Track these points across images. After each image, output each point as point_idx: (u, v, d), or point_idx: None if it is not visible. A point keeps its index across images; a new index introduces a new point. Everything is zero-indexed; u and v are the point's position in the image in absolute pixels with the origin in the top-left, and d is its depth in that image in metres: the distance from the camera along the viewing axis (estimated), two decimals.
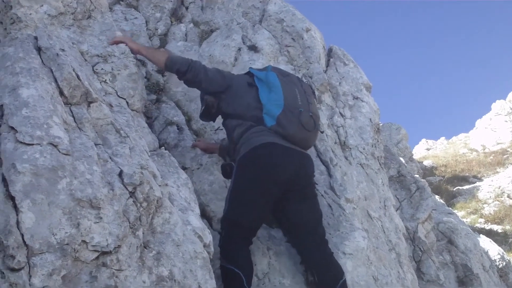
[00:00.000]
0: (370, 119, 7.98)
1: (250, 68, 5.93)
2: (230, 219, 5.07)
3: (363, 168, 7.31)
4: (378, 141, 8.02)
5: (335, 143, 7.07)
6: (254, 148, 5.25)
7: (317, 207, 5.52)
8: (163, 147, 5.38)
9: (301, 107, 5.43)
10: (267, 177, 5.18)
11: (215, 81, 5.72)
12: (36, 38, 4.73)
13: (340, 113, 7.76)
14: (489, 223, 19.45)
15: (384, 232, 6.72)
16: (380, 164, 7.86)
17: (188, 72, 5.67)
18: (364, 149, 7.51)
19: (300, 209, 5.36)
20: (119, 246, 3.53)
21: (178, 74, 5.80)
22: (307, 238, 5.36)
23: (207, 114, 5.94)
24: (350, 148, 7.33)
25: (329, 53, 8.92)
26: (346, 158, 7.13)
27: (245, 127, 5.45)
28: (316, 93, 7.64)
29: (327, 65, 8.59)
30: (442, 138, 43.91)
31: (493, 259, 11.93)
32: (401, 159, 11.30)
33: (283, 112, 5.33)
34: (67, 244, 3.27)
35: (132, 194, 3.89)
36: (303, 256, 5.44)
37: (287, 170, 5.22)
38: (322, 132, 5.74)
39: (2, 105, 3.85)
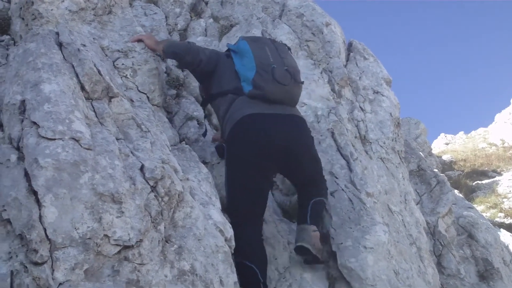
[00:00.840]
0: (391, 113, 7.95)
1: (228, 44, 5.94)
2: (231, 211, 5.07)
3: (383, 162, 7.29)
4: (398, 135, 7.99)
5: (356, 137, 7.05)
6: (234, 125, 5.27)
7: (316, 158, 5.68)
8: (183, 142, 5.39)
9: (273, 64, 5.44)
10: (252, 152, 5.18)
11: (212, 59, 5.78)
12: (57, 33, 4.75)
13: (361, 107, 7.74)
14: (509, 218, 19.32)
15: (405, 226, 6.70)
16: (400, 158, 7.84)
17: (188, 54, 5.71)
18: (384, 143, 7.49)
19: (301, 169, 5.50)
20: (141, 240, 3.54)
21: (176, 58, 5.93)
22: (302, 187, 5.63)
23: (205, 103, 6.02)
24: (371, 142, 7.31)
25: (349, 48, 8.90)
26: (366, 152, 7.11)
27: (227, 102, 5.48)
28: (336, 87, 7.63)
29: (347, 60, 8.57)
30: (461, 133, 43.67)
31: None
32: (420, 153, 11.24)
33: (257, 73, 5.35)
34: (89, 238, 3.28)
35: (153, 188, 3.90)
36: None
37: (271, 139, 5.20)
38: (302, 83, 5.64)
39: (24, 100, 3.87)
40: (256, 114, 5.25)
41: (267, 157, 5.19)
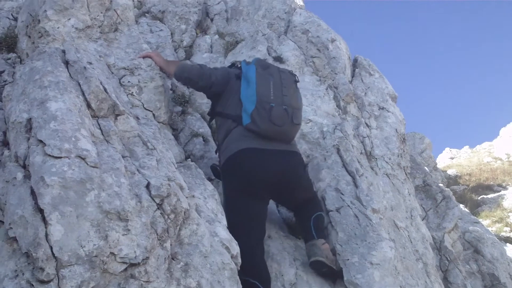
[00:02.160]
0: (396, 129, 7.96)
1: (243, 61, 5.96)
2: (233, 235, 4.92)
3: (389, 178, 7.28)
4: (404, 151, 7.99)
5: (361, 153, 7.05)
6: (230, 157, 5.41)
7: (307, 187, 5.81)
8: (189, 159, 5.39)
9: (272, 102, 5.44)
10: (247, 185, 5.30)
11: (224, 81, 5.82)
12: (63, 51, 4.77)
13: (366, 123, 7.74)
14: None
15: (411, 242, 6.69)
16: (406, 174, 7.83)
17: (201, 80, 5.75)
18: (390, 159, 7.49)
19: (294, 198, 5.69)
20: (147, 258, 3.54)
21: (189, 83, 5.91)
22: (298, 209, 5.79)
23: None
24: (376, 158, 7.31)
25: (355, 64, 8.92)
26: (372, 168, 7.11)
27: (226, 128, 5.58)
28: (342, 103, 7.64)
29: (353, 76, 8.59)
30: (466, 147, 43.55)
31: None
32: (426, 168, 11.23)
33: (256, 108, 5.39)
34: (95, 256, 3.29)
35: (159, 206, 3.90)
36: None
37: (265, 174, 5.33)
38: (298, 124, 5.67)
39: (30, 119, 3.88)
40: (251, 149, 5.36)
41: (260, 189, 5.33)
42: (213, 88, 5.77)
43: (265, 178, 5.33)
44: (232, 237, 4.60)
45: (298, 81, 5.91)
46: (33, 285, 3.12)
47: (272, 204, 6.04)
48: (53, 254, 3.17)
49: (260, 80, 5.53)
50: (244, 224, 5.18)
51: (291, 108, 5.54)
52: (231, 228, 4.89)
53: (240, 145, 5.37)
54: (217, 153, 6.02)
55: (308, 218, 5.57)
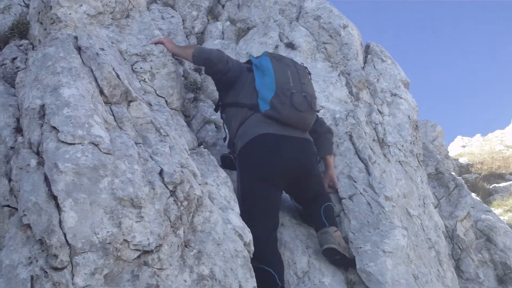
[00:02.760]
0: (409, 116, 7.92)
1: (250, 55, 6.06)
2: (246, 223, 4.91)
3: (401, 165, 7.25)
4: (416, 138, 7.95)
5: (374, 140, 7.01)
6: (247, 142, 5.42)
7: (319, 180, 5.85)
8: (202, 146, 5.38)
9: (293, 88, 5.53)
10: (264, 171, 5.32)
11: (237, 70, 5.84)
12: (76, 37, 4.76)
13: (379, 110, 7.71)
14: None
15: (424, 230, 6.66)
16: (418, 161, 7.79)
17: (220, 62, 5.74)
18: (402, 146, 7.45)
19: (306, 189, 5.68)
20: (160, 245, 3.54)
21: (207, 64, 5.84)
22: (308, 203, 5.79)
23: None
24: (389, 145, 7.26)
25: (367, 50, 8.87)
26: (384, 155, 7.07)
27: (242, 116, 5.59)
28: (354, 90, 7.61)
29: (365, 62, 8.54)
30: (478, 135, 43.33)
31: None
32: (438, 156, 11.17)
33: (276, 95, 5.45)
34: (109, 243, 3.28)
35: (172, 193, 3.90)
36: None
37: (282, 159, 5.35)
38: (318, 112, 5.84)
39: (43, 105, 3.88)
40: (270, 134, 5.38)
41: (277, 176, 5.35)
42: (229, 73, 5.76)
43: (284, 165, 5.36)
44: (245, 225, 4.59)
45: (310, 74, 6.00)
46: (46, 272, 3.12)
47: (284, 192, 6.04)
48: (66, 241, 3.17)
49: (277, 69, 5.60)
50: (260, 212, 5.18)
51: (310, 96, 5.62)
52: (245, 215, 4.91)
53: (258, 130, 5.39)
54: (225, 141, 6.06)
55: (318, 208, 5.57)
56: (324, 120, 6.41)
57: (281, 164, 5.35)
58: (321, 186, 5.86)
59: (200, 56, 5.79)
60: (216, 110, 6.16)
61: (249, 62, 5.95)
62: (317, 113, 6.03)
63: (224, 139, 6.08)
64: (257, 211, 5.15)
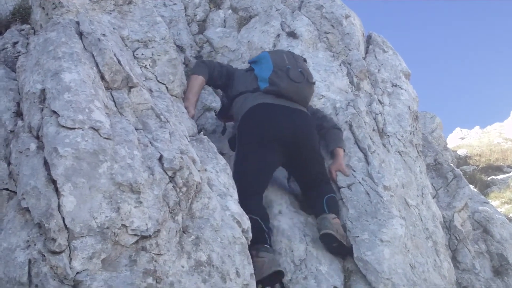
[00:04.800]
0: (409, 107, 7.92)
1: (248, 60, 6.59)
2: (237, 179, 5.16)
3: (401, 155, 7.25)
4: (416, 129, 7.95)
5: (373, 130, 7.01)
6: (245, 113, 5.76)
7: (320, 159, 5.96)
8: (201, 133, 5.39)
9: (289, 65, 5.98)
10: (261, 136, 5.59)
11: (225, 70, 6.34)
12: (77, 23, 4.77)
13: (379, 100, 7.71)
14: None
15: (421, 220, 6.66)
16: (418, 151, 7.79)
17: (216, 78, 6.27)
18: (402, 136, 7.45)
19: (306, 165, 5.81)
20: (158, 231, 3.56)
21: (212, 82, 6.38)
22: (309, 187, 5.86)
23: (223, 114, 6.41)
24: (388, 135, 7.27)
25: (368, 40, 8.86)
26: (384, 145, 7.07)
27: (242, 98, 5.90)
28: (355, 80, 7.61)
29: (366, 52, 8.53)
30: (477, 127, 43.20)
31: None
32: (437, 147, 11.17)
33: (273, 72, 5.89)
34: (107, 228, 3.31)
35: (171, 179, 3.91)
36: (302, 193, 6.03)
37: (279, 126, 5.62)
38: (313, 83, 6.16)
39: (44, 89, 3.89)
40: (267, 103, 5.71)
41: (273, 138, 5.58)
42: (215, 73, 6.25)
43: (280, 128, 5.59)
44: (243, 212, 4.61)
45: (306, 61, 6.42)
46: (44, 256, 3.14)
47: (283, 179, 6.05)
48: (65, 225, 3.19)
49: (273, 55, 6.07)
50: (251, 170, 5.45)
51: (306, 72, 6.02)
52: (237, 174, 5.18)
53: (255, 102, 5.73)
54: (223, 134, 6.33)
55: (321, 196, 5.60)
56: (331, 118, 6.54)
57: (277, 127, 5.59)
58: (323, 170, 5.93)
59: (210, 79, 6.22)
60: (220, 115, 6.50)
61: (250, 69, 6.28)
62: (321, 111, 6.45)
63: (223, 131, 6.31)
64: (248, 170, 5.43)
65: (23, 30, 5.52)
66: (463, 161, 27.77)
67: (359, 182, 5.92)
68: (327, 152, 6.16)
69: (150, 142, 4.10)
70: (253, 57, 6.46)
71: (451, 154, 25.67)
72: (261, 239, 4.97)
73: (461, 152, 29.94)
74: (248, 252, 4.25)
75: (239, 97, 6.00)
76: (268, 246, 5.03)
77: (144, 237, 3.48)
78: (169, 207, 3.74)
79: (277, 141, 5.56)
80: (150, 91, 4.97)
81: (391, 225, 5.43)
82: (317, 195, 5.68)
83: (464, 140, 39.12)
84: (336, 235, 5.22)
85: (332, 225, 5.26)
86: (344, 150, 6.24)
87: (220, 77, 6.27)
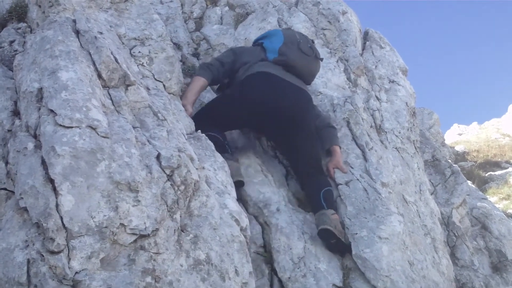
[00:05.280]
0: (406, 103, 7.92)
1: (257, 37, 6.65)
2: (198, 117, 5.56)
3: (398, 152, 7.25)
4: (414, 125, 7.96)
5: (371, 126, 7.01)
6: (244, 78, 5.91)
7: (312, 142, 5.92)
8: (199, 131, 5.39)
9: (299, 40, 6.23)
10: (246, 102, 5.71)
11: (229, 59, 6.31)
12: (74, 21, 4.76)
13: (376, 96, 7.70)
14: None
15: (420, 217, 6.67)
16: (415, 148, 7.80)
17: (220, 77, 6.30)
18: (400, 132, 7.45)
19: (296, 145, 5.85)
20: (157, 230, 3.55)
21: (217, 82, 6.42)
22: (304, 175, 5.90)
23: (224, 87, 6.53)
24: (386, 132, 7.27)
25: (365, 36, 8.86)
26: (381, 142, 7.07)
27: (247, 67, 5.99)
28: (352, 76, 7.61)
29: (363, 48, 8.53)
30: (474, 123, 43.21)
31: None
32: (435, 143, 11.17)
33: (284, 44, 6.11)
34: (105, 227, 3.30)
35: (169, 177, 3.90)
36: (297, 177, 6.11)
37: (269, 99, 5.69)
38: (321, 60, 6.44)
39: (41, 88, 3.88)
40: (267, 73, 5.81)
41: (257, 113, 5.71)
42: (226, 67, 6.25)
43: (267, 102, 5.66)
44: (242, 210, 4.61)
45: (314, 42, 6.60)
46: (43, 256, 3.14)
47: (281, 176, 6.04)
48: (63, 224, 3.19)
49: (285, 31, 6.32)
50: (214, 116, 5.70)
51: (315, 48, 6.27)
52: (202, 111, 5.73)
53: (258, 69, 5.86)
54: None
55: (318, 191, 5.58)
56: (328, 117, 6.55)
57: (266, 99, 5.67)
58: (318, 156, 5.98)
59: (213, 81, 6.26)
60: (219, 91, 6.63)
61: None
62: (316, 108, 6.49)
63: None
64: (212, 113, 5.71)
65: (19, 28, 5.50)
66: (461, 157, 27.79)
67: (357, 179, 5.91)
68: (322, 151, 6.15)
69: (148, 141, 4.10)
70: (263, 33, 6.62)
71: (449, 150, 25.69)
72: (222, 149, 5.35)
73: (459, 148, 29.95)
74: (246, 250, 4.25)
75: (243, 67, 6.08)
76: (229, 154, 5.47)
77: (142, 236, 3.48)
78: (167, 206, 3.74)
79: (263, 113, 5.67)
80: (147, 89, 4.96)
81: (389, 222, 5.43)
82: (314, 189, 5.68)
83: (462, 136, 39.12)
84: (334, 231, 5.22)
85: (331, 221, 5.26)
86: (340, 148, 6.22)
87: (224, 76, 6.28)
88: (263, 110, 5.64)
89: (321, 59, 6.36)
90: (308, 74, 6.18)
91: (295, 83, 5.91)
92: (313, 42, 6.49)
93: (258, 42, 6.43)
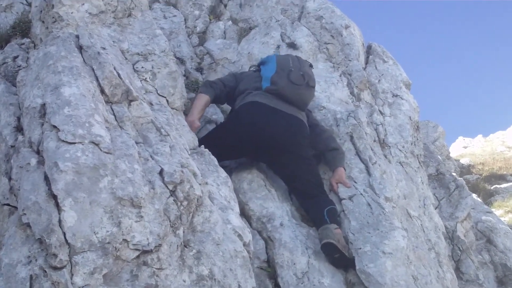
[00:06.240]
0: (410, 117, 7.90)
1: (261, 58, 6.72)
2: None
3: (402, 166, 7.24)
4: (417, 139, 7.94)
5: (374, 141, 6.99)
6: (238, 107, 6.05)
7: (309, 168, 5.95)
8: (202, 146, 5.39)
9: (292, 68, 6.15)
10: (239, 132, 5.79)
11: (230, 80, 6.52)
12: (77, 36, 4.78)
13: (380, 110, 7.69)
14: None
15: (424, 231, 6.65)
16: (419, 162, 7.78)
17: (222, 97, 6.49)
18: (403, 147, 7.44)
19: (291, 172, 5.87)
20: (159, 245, 3.55)
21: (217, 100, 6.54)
22: (301, 195, 5.91)
23: None
24: (390, 146, 7.25)
25: (368, 50, 8.85)
26: (385, 156, 7.06)
27: (244, 95, 6.09)
28: (356, 90, 7.60)
29: (366, 62, 8.52)
30: (480, 136, 43.07)
31: None
32: (439, 157, 11.14)
33: (276, 73, 6.08)
34: (108, 242, 3.30)
35: (172, 192, 3.90)
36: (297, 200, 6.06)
37: (260, 128, 5.75)
38: (312, 87, 6.32)
39: (44, 104, 3.89)
40: (259, 102, 5.87)
41: (250, 142, 5.79)
42: (227, 88, 6.41)
43: (258, 131, 5.74)
44: (245, 225, 4.61)
45: (312, 67, 6.53)
46: (46, 271, 3.14)
47: (284, 191, 6.03)
48: (66, 240, 3.19)
49: (279, 57, 6.32)
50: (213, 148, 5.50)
51: (307, 75, 6.15)
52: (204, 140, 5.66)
53: (252, 98, 5.99)
54: None
55: (321, 210, 5.58)
56: (330, 135, 6.50)
57: (258, 128, 5.74)
58: (318, 181, 5.96)
59: (214, 97, 6.33)
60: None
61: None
62: (324, 128, 6.53)
63: None
64: (210, 144, 5.51)
65: (23, 44, 5.53)
66: (466, 170, 27.70)
67: (361, 194, 5.90)
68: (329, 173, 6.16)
69: (151, 156, 4.10)
70: (263, 58, 6.61)
71: (454, 163, 25.62)
72: None
73: (464, 161, 29.84)
74: (250, 265, 4.24)
75: (240, 96, 6.17)
76: None
77: (145, 252, 3.48)
78: (170, 221, 3.73)
79: (255, 141, 5.73)
80: (151, 104, 4.97)
81: (393, 237, 5.41)
82: (317, 207, 5.66)
83: (467, 149, 39.00)
84: (338, 245, 5.20)
85: (334, 235, 5.25)
86: (344, 169, 6.22)
87: (226, 97, 6.42)
88: (254, 138, 5.72)
89: (313, 87, 6.32)
90: (300, 102, 6.12)
91: (287, 111, 5.92)
92: (311, 65, 6.50)
93: (258, 67, 6.52)
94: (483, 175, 26.62)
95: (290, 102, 5.98)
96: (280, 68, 6.11)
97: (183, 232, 3.87)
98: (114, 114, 4.26)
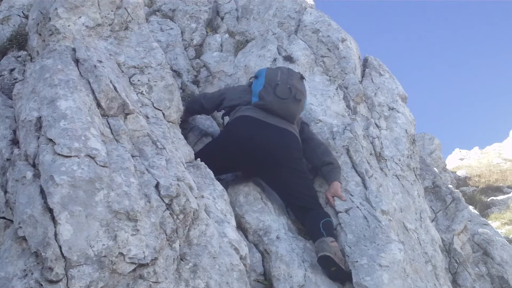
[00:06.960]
0: (406, 130, 7.91)
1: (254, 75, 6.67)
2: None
3: (398, 179, 7.24)
4: (413, 152, 7.95)
5: (371, 154, 7.00)
6: (229, 122, 6.19)
7: (302, 180, 5.97)
8: (198, 159, 5.38)
9: (278, 81, 6.16)
10: (231, 146, 5.86)
11: (215, 97, 6.59)
12: (74, 49, 4.79)
13: (376, 124, 7.70)
14: None
15: (420, 244, 6.65)
16: (415, 175, 7.79)
17: (191, 108, 6.69)
18: (399, 160, 7.44)
19: (283, 183, 5.92)
20: (156, 259, 3.54)
21: (188, 112, 6.66)
22: (296, 207, 5.96)
23: None
24: (386, 159, 7.25)
25: (365, 64, 8.86)
26: (381, 169, 7.06)
27: (235, 110, 6.18)
28: (352, 104, 7.61)
29: (363, 76, 8.53)
30: (476, 148, 43.13)
31: None
32: (435, 169, 11.13)
33: (264, 87, 6.12)
34: (104, 256, 3.29)
35: (168, 206, 3.90)
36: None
37: (250, 142, 5.78)
38: (299, 101, 6.24)
39: (40, 117, 3.89)
40: (249, 117, 6.01)
41: (241, 156, 5.83)
42: (205, 106, 6.66)
43: (250, 144, 5.76)
44: (241, 238, 4.60)
45: (304, 78, 6.52)
46: (42, 285, 3.13)
47: (281, 204, 6.02)
48: (62, 254, 3.18)
49: (269, 71, 6.33)
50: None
51: (295, 88, 6.14)
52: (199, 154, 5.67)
53: (241, 113, 6.09)
54: None
55: (317, 222, 5.59)
56: (326, 149, 6.48)
57: (248, 142, 5.77)
58: (313, 194, 6.01)
59: (185, 112, 6.43)
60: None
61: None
62: (320, 141, 6.54)
63: None
64: (204, 158, 5.53)
65: (20, 56, 5.54)
66: (462, 182, 27.69)
67: (357, 207, 5.89)
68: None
69: (147, 169, 4.10)
70: (256, 72, 6.61)
71: (451, 175, 25.60)
72: None
73: (460, 173, 29.83)
74: (246, 279, 4.23)
75: (234, 110, 6.24)
76: None
77: (141, 265, 3.47)
78: (166, 235, 3.73)
79: (247, 155, 5.79)
80: (147, 117, 4.98)
81: (390, 250, 5.40)
82: (313, 219, 5.67)
83: (463, 161, 39.01)
84: (334, 258, 5.19)
85: (331, 248, 5.24)
86: (340, 183, 6.21)
87: (200, 108, 6.68)
88: (246, 152, 5.76)
89: (300, 100, 6.23)
90: (288, 116, 6.13)
91: (277, 124, 5.97)
92: (302, 77, 6.48)
93: (251, 81, 6.55)
94: (480, 187, 26.62)
95: (279, 116, 6.02)
96: (268, 83, 6.15)
97: (179, 245, 3.86)
98: (110, 127, 4.26)
